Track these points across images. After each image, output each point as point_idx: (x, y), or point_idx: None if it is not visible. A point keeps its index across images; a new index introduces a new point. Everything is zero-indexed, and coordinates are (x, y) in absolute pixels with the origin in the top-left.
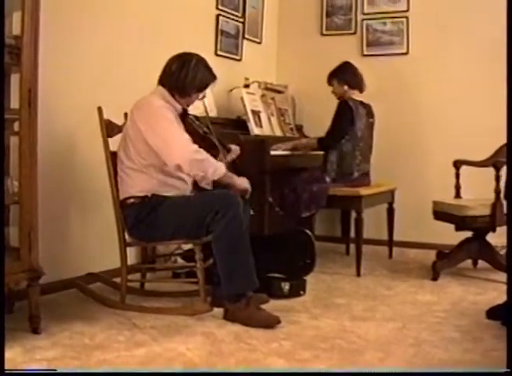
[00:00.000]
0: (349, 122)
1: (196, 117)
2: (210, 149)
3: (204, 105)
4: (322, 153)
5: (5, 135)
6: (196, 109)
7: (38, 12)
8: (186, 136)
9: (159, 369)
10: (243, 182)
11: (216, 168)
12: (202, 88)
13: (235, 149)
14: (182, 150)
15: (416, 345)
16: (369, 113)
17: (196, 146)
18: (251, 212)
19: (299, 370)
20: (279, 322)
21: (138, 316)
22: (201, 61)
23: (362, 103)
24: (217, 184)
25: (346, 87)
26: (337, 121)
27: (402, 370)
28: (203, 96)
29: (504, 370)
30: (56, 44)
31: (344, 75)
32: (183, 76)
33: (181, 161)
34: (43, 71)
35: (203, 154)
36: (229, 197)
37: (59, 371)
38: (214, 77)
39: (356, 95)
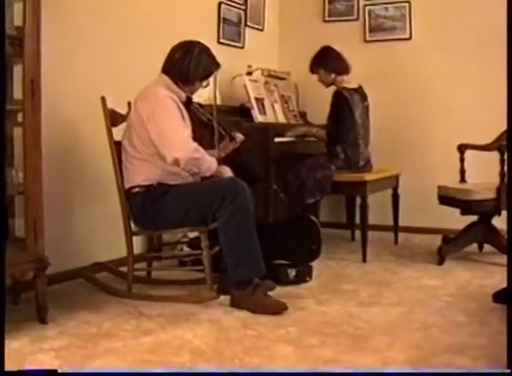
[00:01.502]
0: (348, 113)
1: (201, 105)
2: (213, 136)
3: (214, 92)
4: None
5: (8, 126)
6: (200, 97)
7: (40, 2)
8: (187, 132)
9: (158, 370)
10: (228, 175)
11: (210, 165)
12: (205, 76)
13: (239, 136)
14: (182, 146)
15: (422, 330)
16: (363, 97)
17: (195, 144)
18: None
19: (304, 370)
20: (285, 308)
21: (144, 305)
22: (204, 49)
23: (354, 89)
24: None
25: (333, 75)
26: (339, 114)
27: (402, 370)
28: (207, 84)
29: (506, 370)
30: (59, 33)
31: (329, 63)
32: (186, 64)
33: (179, 157)
34: (45, 61)
35: (201, 152)
36: (237, 184)
37: (59, 371)
38: (217, 66)
39: (346, 81)
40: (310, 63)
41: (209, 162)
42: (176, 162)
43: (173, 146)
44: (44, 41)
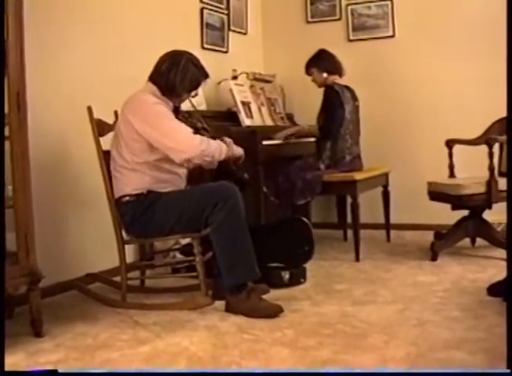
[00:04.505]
0: (340, 106)
1: (189, 113)
2: None
3: (191, 101)
4: (314, 140)
5: None
6: (186, 102)
7: (22, 14)
8: (188, 129)
9: (160, 369)
10: (240, 151)
11: (220, 149)
12: (193, 88)
13: (238, 151)
14: (187, 146)
15: (419, 326)
16: (354, 97)
17: (198, 137)
18: (246, 176)
19: (305, 370)
20: (281, 311)
21: (139, 314)
22: (191, 60)
23: (346, 86)
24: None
25: (325, 74)
26: (331, 108)
27: (402, 370)
28: (196, 94)
29: (506, 371)
30: (43, 45)
31: (322, 62)
32: (173, 77)
33: (189, 157)
34: (31, 73)
35: (205, 141)
36: (228, 188)
37: (59, 371)
38: (205, 76)
39: (338, 80)
40: (305, 66)
41: (218, 147)
42: (188, 162)
43: (178, 148)
44: (29, 53)
